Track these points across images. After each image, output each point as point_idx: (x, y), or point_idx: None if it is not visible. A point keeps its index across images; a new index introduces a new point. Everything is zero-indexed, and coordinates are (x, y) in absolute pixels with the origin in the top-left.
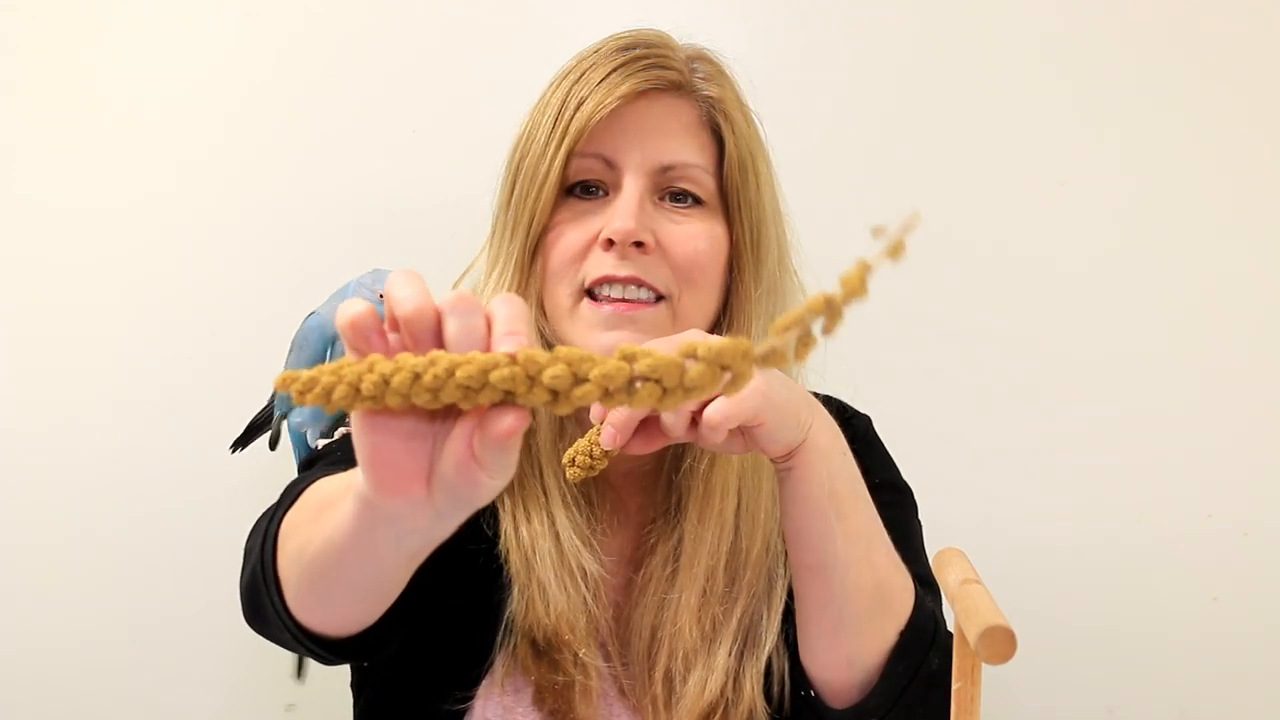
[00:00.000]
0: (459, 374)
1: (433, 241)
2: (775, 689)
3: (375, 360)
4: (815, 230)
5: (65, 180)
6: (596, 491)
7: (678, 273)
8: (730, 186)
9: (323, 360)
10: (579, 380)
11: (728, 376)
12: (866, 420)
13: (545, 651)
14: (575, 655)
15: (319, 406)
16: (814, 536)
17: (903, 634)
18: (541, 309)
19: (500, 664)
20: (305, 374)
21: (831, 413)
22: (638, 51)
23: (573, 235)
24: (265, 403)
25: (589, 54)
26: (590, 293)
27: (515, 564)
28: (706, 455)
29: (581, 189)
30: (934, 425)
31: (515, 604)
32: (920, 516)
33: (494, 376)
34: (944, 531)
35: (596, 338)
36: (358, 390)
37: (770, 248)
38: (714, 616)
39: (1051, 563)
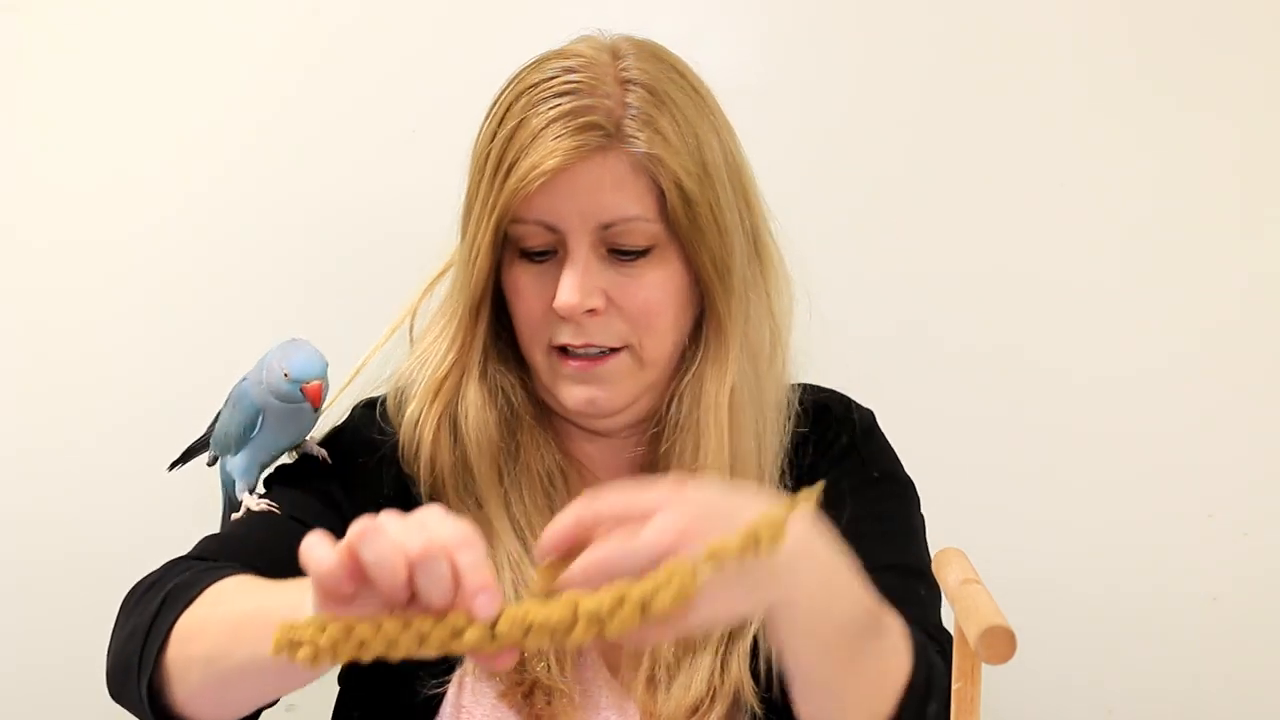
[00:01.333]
0: (453, 647)
1: (431, 242)
2: (762, 667)
3: (375, 630)
4: (816, 228)
5: (58, 178)
6: (575, 493)
7: (633, 324)
8: (677, 228)
9: (255, 423)
10: (558, 638)
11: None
12: (870, 415)
13: None
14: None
15: (251, 460)
16: (808, 675)
17: (901, 702)
18: (502, 359)
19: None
20: (307, 635)
21: (837, 409)
22: (568, 105)
23: (533, 302)
24: (208, 427)
25: (522, 94)
26: (563, 348)
27: None
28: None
29: (534, 250)
30: (934, 425)
31: None
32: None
33: (484, 649)
34: (944, 531)
35: (572, 391)
36: (362, 643)
37: (735, 252)
38: None
39: (1052, 563)
